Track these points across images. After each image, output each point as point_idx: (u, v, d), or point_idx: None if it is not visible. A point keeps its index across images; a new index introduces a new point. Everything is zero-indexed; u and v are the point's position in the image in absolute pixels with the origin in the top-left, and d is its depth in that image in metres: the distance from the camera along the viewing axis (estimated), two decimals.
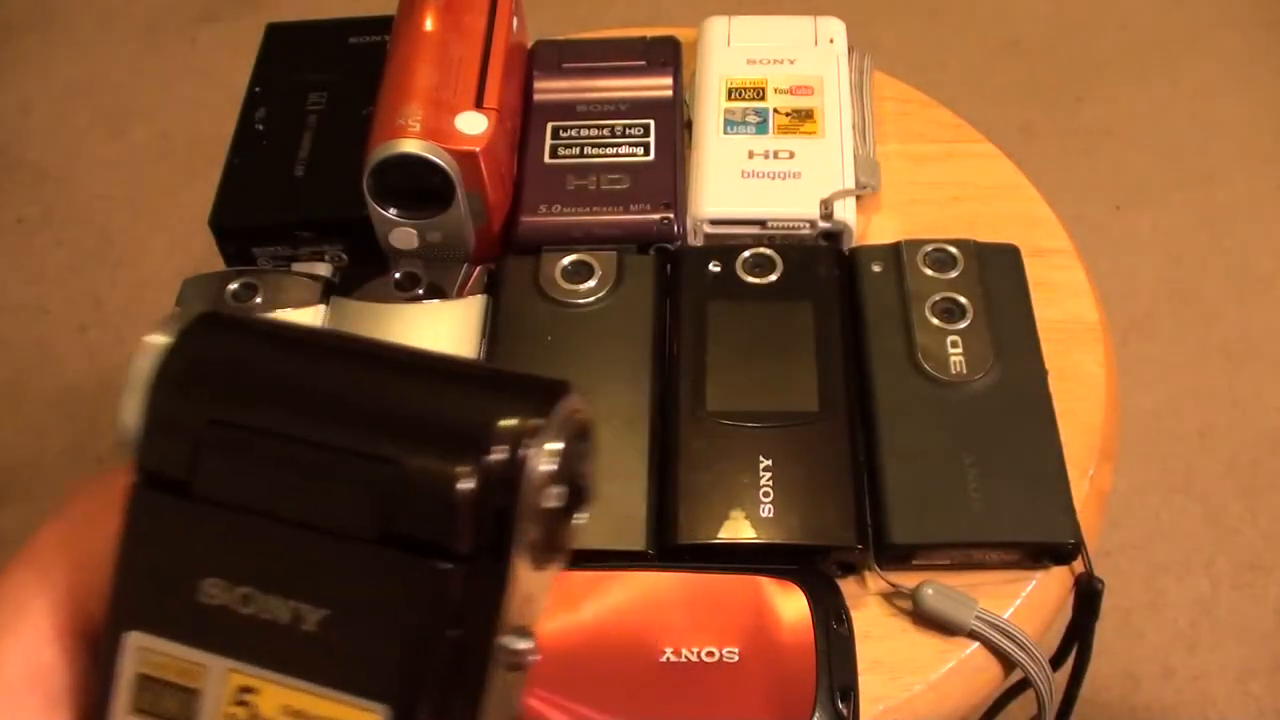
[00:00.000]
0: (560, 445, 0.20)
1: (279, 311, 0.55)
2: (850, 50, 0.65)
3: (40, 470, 1.22)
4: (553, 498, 0.20)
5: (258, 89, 0.64)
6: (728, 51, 0.65)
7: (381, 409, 0.20)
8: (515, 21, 0.62)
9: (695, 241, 0.58)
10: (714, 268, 0.56)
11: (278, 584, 0.20)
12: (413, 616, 0.20)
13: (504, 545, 0.20)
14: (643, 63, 0.65)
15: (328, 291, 0.57)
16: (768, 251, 0.56)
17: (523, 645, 0.21)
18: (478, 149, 0.54)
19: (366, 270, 0.57)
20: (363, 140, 0.55)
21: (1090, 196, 1.30)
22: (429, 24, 0.59)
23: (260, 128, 0.62)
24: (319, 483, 0.20)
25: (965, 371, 0.51)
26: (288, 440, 0.21)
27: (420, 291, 0.56)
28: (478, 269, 0.57)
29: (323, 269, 0.58)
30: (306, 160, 0.60)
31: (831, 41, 0.65)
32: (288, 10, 0.72)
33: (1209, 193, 1.35)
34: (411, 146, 0.53)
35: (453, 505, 0.19)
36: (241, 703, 0.21)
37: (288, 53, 0.66)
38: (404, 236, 0.56)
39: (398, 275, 0.56)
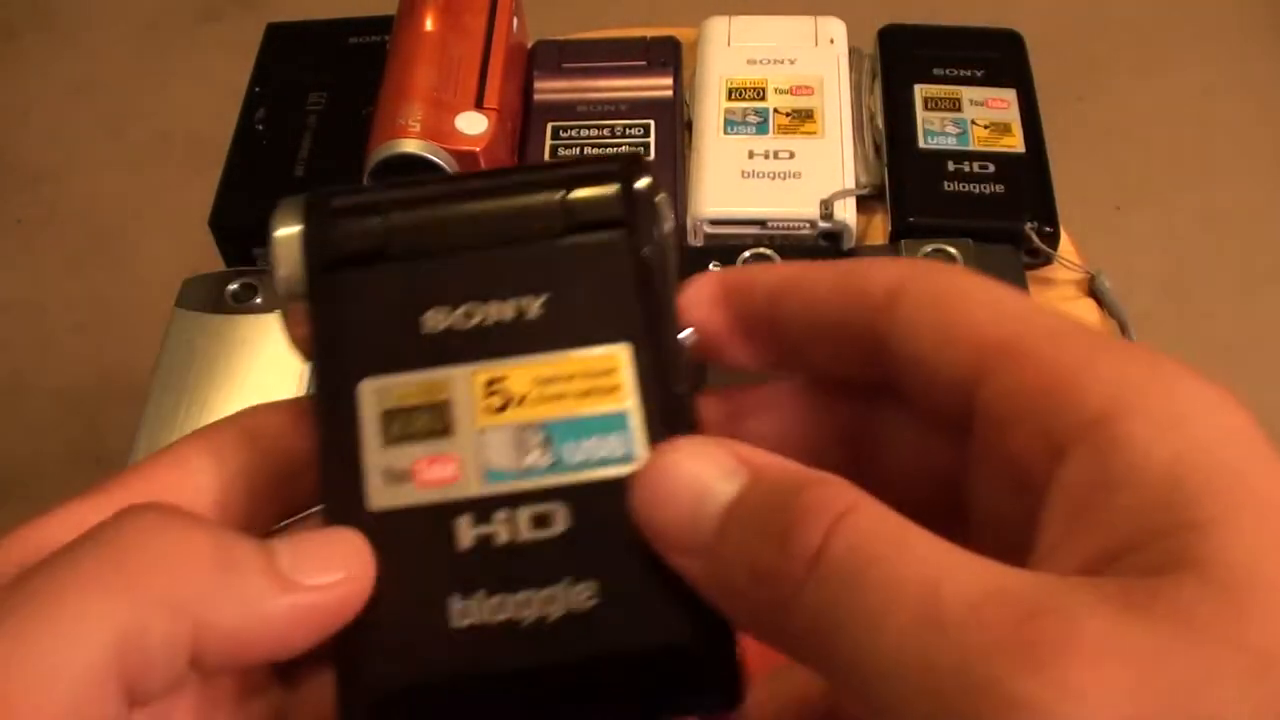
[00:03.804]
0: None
1: (279, 311, 0.55)
2: (851, 50, 0.65)
3: (39, 470, 1.22)
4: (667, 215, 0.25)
5: (258, 89, 0.64)
6: (728, 51, 0.65)
7: (521, 172, 0.26)
8: (515, 21, 0.62)
9: (695, 242, 0.58)
10: (714, 268, 0.56)
11: (492, 293, 0.23)
12: (619, 272, 0.24)
13: (651, 212, 0.24)
14: (643, 63, 0.65)
15: None
16: (767, 252, 0.56)
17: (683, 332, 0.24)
18: (478, 149, 0.54)
19: None
20: (363, 140, 0.55)
21: (1090, 196, 1.31)
22: (429, 24, 0.59)
23: (260, 128, 0.62)
24: (508, 206, 0.25)
25: None
26: (465, 186, 0.25)
27: None
28: None
29: None
30: (306, 160, 0.60)
31: (832, 41, 0.65)
32: (288, 10, 0.72)
33: (1209, 193, 1.35)
34: (412, 146, 0.53)
35: (628, 186, 0.24)
36: (493, 393, 0.23)
37: (288, 53, 0.66)
38: None
39: None
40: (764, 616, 0.19)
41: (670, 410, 0.23)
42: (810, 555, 0.18)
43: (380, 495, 0.22)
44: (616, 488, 0.21)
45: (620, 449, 0.22)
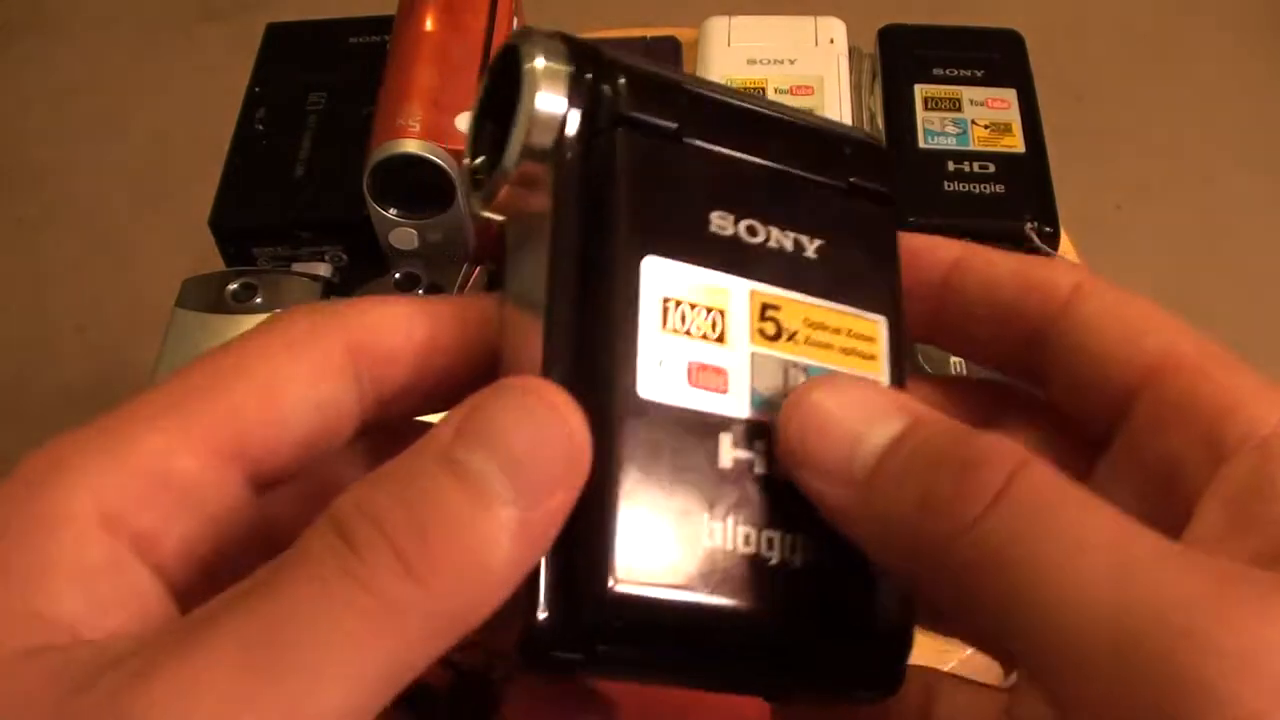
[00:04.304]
0: None
1: (279, 312, 0.55)
2: (851, 50, 0.65)
3: None
4: None
5: (258, 89, 0.64)
6: (728, 52, 0.65)
7: (795, 110, 0.25)
8: (515, 22, 0.62)
9: None
10: None
11: (778, 217, 0.22)
12: (885, 246, 0.24)
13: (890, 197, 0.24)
14: None
15: (328, 291, 0.57)
16: None
17: None
18: None
19: (366, 270, 0.57)
20: (363, 140, 0.55)
21: (1090, 196, 1.30)
22: (429, 24, 0.59)
23: (260, 128, 0.62)
24: (801, 132, 0.24)
25: (965, 372, 0.51)
26: (747, 96, 0.24)
27: (420, 291, 0.56)
28: (478, 269, 0.57)
29: (323, 269, 0.58)
30: (306, 160, 0.60)
31: (832, 41, 0.65)
32: (288, 10, 0.72)
33: (1209, 193, 1.35)
34: (412, 146, 0.53)
35: (890, 171, 0.24)
36: (768, 319, 0.22)
37: (288, 53, 0.66)
38: (404, 236, 0.56)
39: (398, 275, 0.56)
40: (927, 547, 0.19)
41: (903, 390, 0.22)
42: (993, 489, 0.18)
43: (652, 384, 0.20)
44: None
45: None
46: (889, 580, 0.21)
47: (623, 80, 0.21)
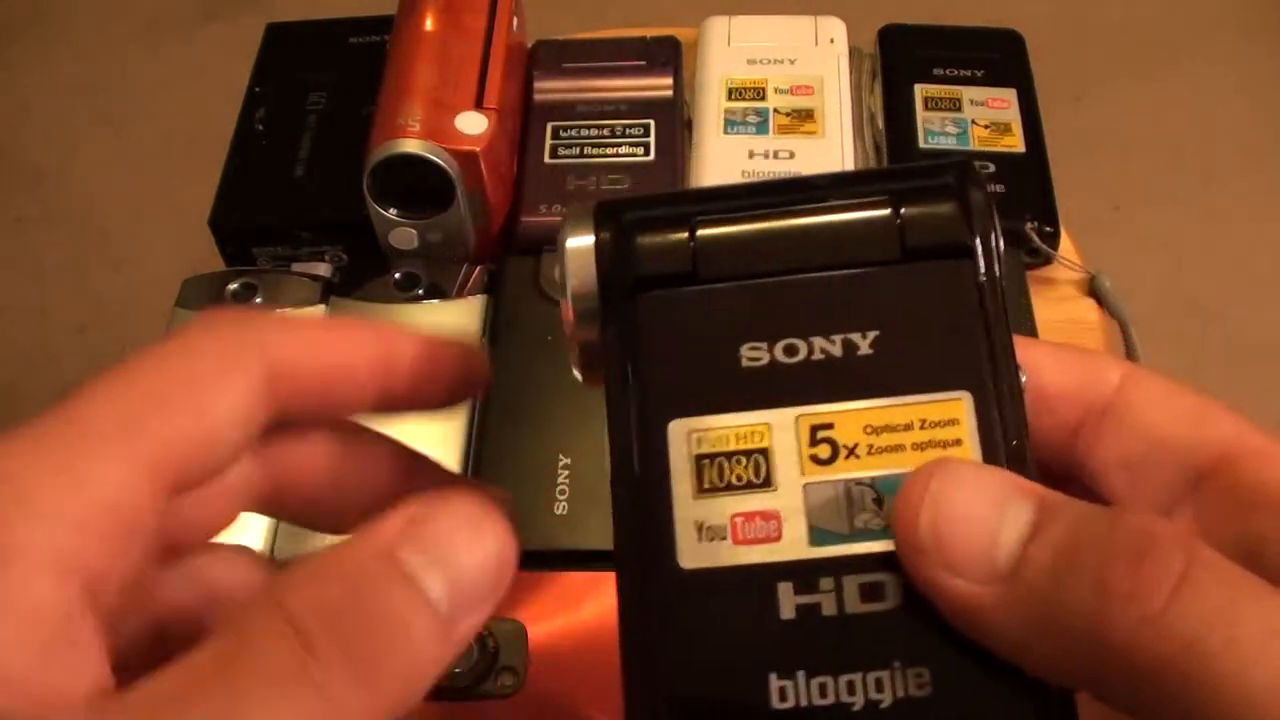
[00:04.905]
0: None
1: (279, 312, 0.55)
2: (851, 50, 0.65)
3: None
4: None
5: (258, 89, 0.64)
6: (728, 51, 0.65)
7: (837, 179, 0.23)
8: (515, 21, 0.62)
9: None
10: None
11: (818, 325, 0.21)
12: (962, 307, 0.21)
13: (991, 234, 0.21)
14: (643, 63, 0.65)
15: (328, 291, 0.57)
16: None
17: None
18: (478, 149, 0.54)
19: (366, 270, 0.57)
20: (363, 140, 0.55)
21: (1090, 196, 1.30)
22: (429, 24, 0.59)
23: (260, 128, 0.62)
24: (832, 226, 0.22)
25: None
26: (783, 203, 0.22)
27: (420, 291, 0.56)
28: (478, 269, 0.57)
29: (323, 269, 0.58)
30: (306, 160, 0.60)
31: (832, 41, 0.65)
32: (288, 10, 0.72)
33: (1209, 193, 1.35)
34: (412, 146, 0.53)
35: (965, 206, 0.21)
36: (819, 441, 0.20)
37: (288, 53, 0.66)
38: (404, 236, 0.56)
39: (398, 275, 0.56)
40: (1104, 640, 0.18)
41: (1015, 468, 0.20)
42: (1175, 575, 0.17)
43: (693, 553, 0.20)
44: None
45: None
46: (1014, 684, 0.19)
47: (638, 241, 0.22)
